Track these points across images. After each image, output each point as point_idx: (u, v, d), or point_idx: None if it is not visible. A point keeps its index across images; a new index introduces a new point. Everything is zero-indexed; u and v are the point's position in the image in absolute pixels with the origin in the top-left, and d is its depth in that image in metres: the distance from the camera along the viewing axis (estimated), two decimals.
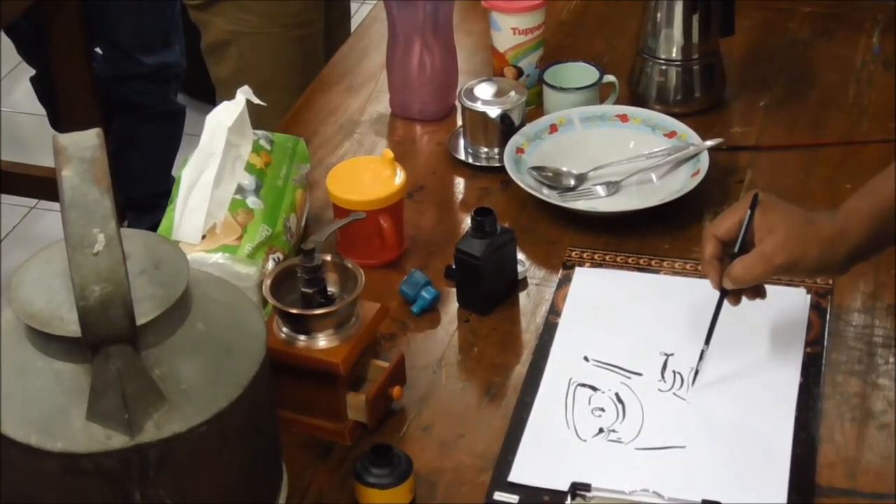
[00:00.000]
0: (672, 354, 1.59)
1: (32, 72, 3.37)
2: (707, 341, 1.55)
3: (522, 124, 1.93)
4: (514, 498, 1.42)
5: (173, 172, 3.21)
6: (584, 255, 1.75)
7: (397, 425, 1.52)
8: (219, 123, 1.67)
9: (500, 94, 1.93)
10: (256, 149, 1.72)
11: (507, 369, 1.60)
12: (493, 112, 1.91)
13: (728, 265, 1.52)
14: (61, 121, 3.17)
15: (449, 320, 1.67)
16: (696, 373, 1.55)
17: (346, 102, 2.12)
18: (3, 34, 3.24)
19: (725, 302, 1.54)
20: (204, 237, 1.61)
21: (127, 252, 1.18)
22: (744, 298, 1.54)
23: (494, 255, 1.65)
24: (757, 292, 1.55)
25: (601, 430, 1.50)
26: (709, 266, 1.54)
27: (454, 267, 1.68)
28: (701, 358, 1.55)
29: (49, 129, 3.42)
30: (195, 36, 2.45)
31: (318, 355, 1.46)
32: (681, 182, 1.84)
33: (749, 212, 1.50)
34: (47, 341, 1.22)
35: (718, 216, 1.55)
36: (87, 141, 1.19)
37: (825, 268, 1.50)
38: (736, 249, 1.51)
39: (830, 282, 1.67)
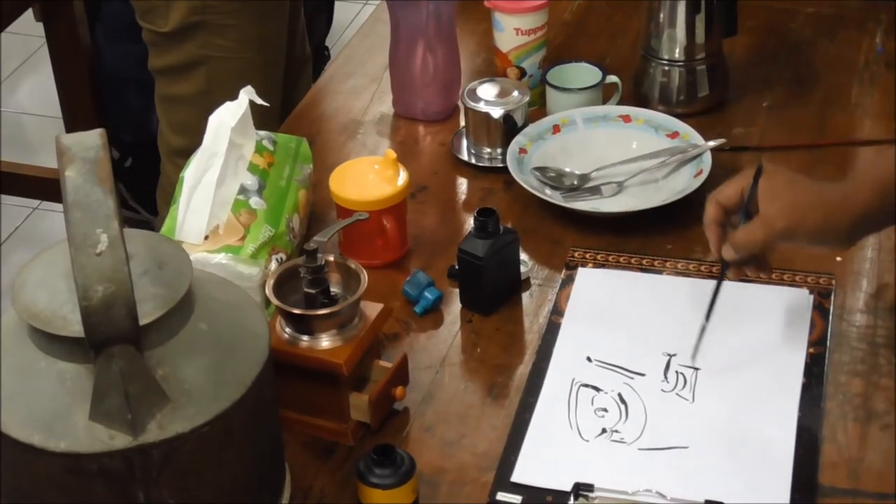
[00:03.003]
0: (675, 355, 1.59)
1: (35, 73, 3.36)
2: (707, 317, 1.56)
3: (525, 125, 1.93)
4: (517, 498, 1.42)
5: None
6: (587, 256, 1.75)
7: (400, 425, 1.52)
8: (222, 124, 1.67)
9: (502, 94, 1.93)
10: (259, 149, 1.72)
11: (510, 369, 1.60)
12: (496, 112, 1.91)
13: (729, 232, 1.53)
14: (65, 125, 3.16)
15: (452, 320, 1.67)
16: (697, 347, 1.56)
17: (349, 103, 2.12)
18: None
19: (729, 294, 1.54)
20: (207, 237, 1.61)
21: (130, 252, 1.18)
22: (747, 301, 1.55)
23: (497, 255, 1.65)
24: (761, 268, 1.55)
25: (604, 431, 1.50)
26: (709, 230, 1.55)
27: (457, 267, 1.68)
28: (701, 334, 1.56)
29: (52, 129, 3.42)
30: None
31: (320, 356, 1.46)
32: (684, 182, 1.84)
33: (753, 181, 1.51)
34: (50, 341, 1.22)
35: (723, 184, 1.56)
36: (91, 141, 1.19)
37: (828, 234, 1.50)
38: (741, 216, 1.52)
39: (833, 282, 1.67)
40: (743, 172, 1.54)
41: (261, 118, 1.80)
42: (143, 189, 3.04)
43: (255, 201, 1.66)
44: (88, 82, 3.05)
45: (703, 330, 1.56)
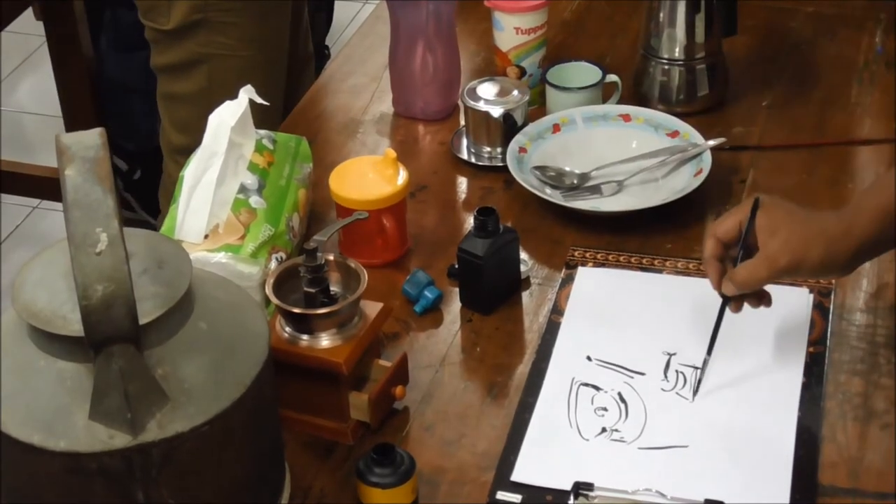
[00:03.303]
0: (675, 354, 1.59)
1: (34, 72, 3.36)
2: (709, 351, 1.55)
3: (525, 124, 1.93)
4: (517, 497, 1.42)
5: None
6: (587, 255, 1.75)
7: (400, 425, 1.52)
8: (221, 123, 1.67)
9: (502, 93, 1.93)
10: (259, 148, 1.72)
11: (510, 369, 1.60)
12: (496, 111, 1.91)
13: (728, 267, 1.51)
14: (65, 124, 3.16)
15: (451, 320, 1.67)
16: (699, 382, 1.54)
17: (349, 102, 2.12)
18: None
19: (727, 309, 1.54)
20: (207, 237, 1.61)
21: (130, 251, 1.18)
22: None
23: (497, 254, 1.65)
24: (760, 299, 1.54)
25: (604, 430, 1.50)
26: (708, 265, 1.53)
27: (457, 266, 1.68)
28: (703, 367, 1.55)
29: (52, 128, 3.42)
30: None
31: (320, 355, 1.46)
32: (683, 182, 1.84)
33: (750, 215, 1.49)
34: (50, 341, 1.22)
35: (720, 217, 1.54)
36: (90, 140, 1.19)
37: (830, 266, 1.49)
38: (738, 254, 1.50)
39: (833, 281, 1.67)
40: (740, 205, 1.53)
41: (262, 117, 1.81)
42: (153, 199, 3.06)
43: (254, 200, 1.66)
44: (88, 82, 3.05)
45: (705, 364, 1.55)
